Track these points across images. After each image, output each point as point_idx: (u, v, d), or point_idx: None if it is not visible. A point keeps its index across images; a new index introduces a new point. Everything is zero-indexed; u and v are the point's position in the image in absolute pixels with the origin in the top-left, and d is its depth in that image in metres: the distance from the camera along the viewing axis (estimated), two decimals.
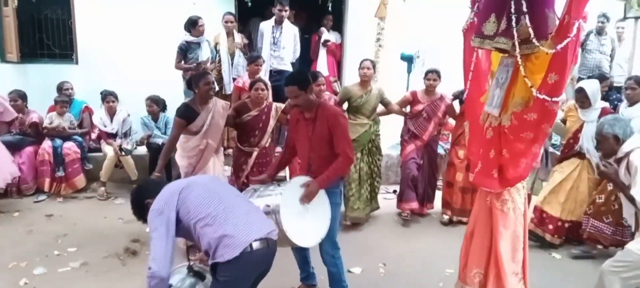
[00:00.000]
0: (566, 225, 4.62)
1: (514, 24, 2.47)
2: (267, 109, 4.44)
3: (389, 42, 6.38)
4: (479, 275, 3.01)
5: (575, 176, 4.58)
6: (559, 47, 2.34)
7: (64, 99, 5.99)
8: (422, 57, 6.51)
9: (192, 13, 5.94)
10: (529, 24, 2.43)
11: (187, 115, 3.98)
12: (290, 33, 6.36)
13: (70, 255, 4.24)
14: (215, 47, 6.14)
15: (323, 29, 7.23)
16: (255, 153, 4.40)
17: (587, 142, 4.43)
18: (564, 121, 4.83)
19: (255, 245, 2.40)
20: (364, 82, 4.95)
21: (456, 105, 5.28)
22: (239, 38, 6.34)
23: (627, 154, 3.05)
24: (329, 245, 3.37)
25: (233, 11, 6.77)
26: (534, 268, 3.31)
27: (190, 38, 5.81)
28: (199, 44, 5.83)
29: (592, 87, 4.42)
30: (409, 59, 6.52)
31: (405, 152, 5.29)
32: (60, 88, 6.17)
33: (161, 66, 6.12)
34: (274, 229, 2.58)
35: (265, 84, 4.55)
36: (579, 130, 4.56)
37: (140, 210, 2.60)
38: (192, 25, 5.79)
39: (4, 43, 7.15)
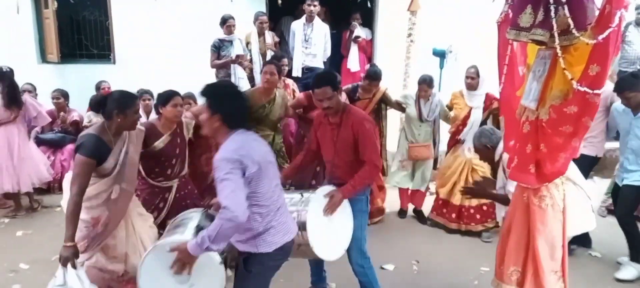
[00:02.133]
0: (471, 210, 4.75)
1: (552, 14, 2.41)
2: (180, 129, 3.51)
3: (420, 37, 6.31)
4: (517, 272, 2.95)
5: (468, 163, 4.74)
6: (600, 37, 2.26)
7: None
8: (454, 52, 6.41)
9: (225, 12, 6.03)
10: (567, 15, 2.37)
11: (98, 152, 2.79)
12: (321, 31, 6.38)
13: None
14: (247, 46, 6.20)
15: (355, 23, 7.19)
16: (175, 187, 3.49)
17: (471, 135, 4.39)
18: (450, 108, 4.90)
19: (288, 245, 2.46)
20: (267, 89, 4.31)
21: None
22: (270, 38, 6.39)
23: (501, 155, 3.29)
24: (358, 255, 3.24)
25: (264, 10, 6.83)
26: (572, 265, 3.23)
27: (222, 36, 5.91)
28: (231, 42, 5.91)
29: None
30: (441, 54, 6.44)
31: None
32: (98, 87, 6.35)
33: (196, 65, 6.22)
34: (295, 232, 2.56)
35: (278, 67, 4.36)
36: (468, 117, 4.70)
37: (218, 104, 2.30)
38: (222, 23, 5.88)
39: (44, 44, 7.42)
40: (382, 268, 4.12)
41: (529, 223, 2.87)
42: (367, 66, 5.21)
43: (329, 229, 2.95)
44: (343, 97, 4.42)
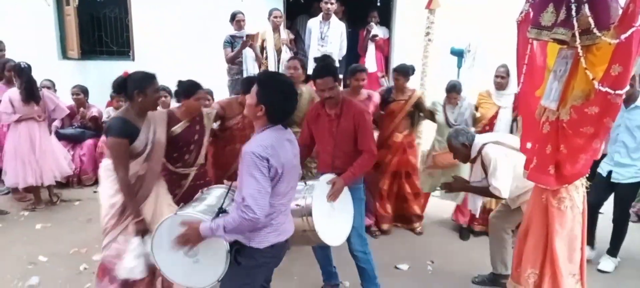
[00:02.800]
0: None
1: (573, 13, 2.37)
2: (199, 118, 3.54)
3: (438, 36, 6.24)
4: (534, 275, 2.91)
5: None
6: (623, 37, 2.22)
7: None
8: (472, 51, 6.33)
9: (238, 8, 6.05)
10: (588, 14, 2.32)
11: (128, 132, 2.88)
12: (338, 29, 6.35)
13: None
14: (262, 44, 6.21)
15: (372, 24, 7.15)
16: (192, 175, 3.52)
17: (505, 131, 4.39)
18: (476, 107, 4.76)
19: (280, 244, 2.40)
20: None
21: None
22: (285, 34, 6.38)
23: (479, 151, 3.37)
24: (358, 241, 3.31)
25: (280, 8, 6.84)
26: (590, 269, 3.18)
27: (233, 32, 5.94)
28: (242, 38, 5.93)
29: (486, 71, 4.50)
30: (459, 54, 6.36)
31: None
32: None
33: (214, 62, 6.26)
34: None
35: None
36: (495, 117, 4.58)
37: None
38: (232, 19, 5.92)
39: (65, 41, 7.55)
40: (397, 268, 4.10)
41: (547, 225, 2.82)
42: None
43: (332, 215, 3.02)
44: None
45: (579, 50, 2.38)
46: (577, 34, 2.38)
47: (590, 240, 4.08)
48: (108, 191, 2.94)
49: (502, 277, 3.70)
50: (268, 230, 2.32)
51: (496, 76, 4.58)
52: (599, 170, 4.13)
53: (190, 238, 2.27)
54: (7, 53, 5.73)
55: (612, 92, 2.32)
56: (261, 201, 2.15)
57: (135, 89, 2.89)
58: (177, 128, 3.34)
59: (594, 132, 2.49)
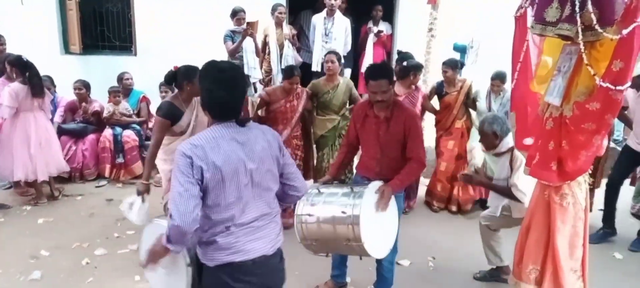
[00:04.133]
0: None
1: (577, 9, 2.35)
2: (245, 103, 3.73)
3: (441, 32, 6.23)
4: (535, 271, 2.90)
5: None
6: (624, 32, 2.20)
7: (116, 88, 6.22)
8: (475, 47, 6.32)
9: (241, 4, 6.04)
10: (591, 9, 2.31)
11: (172, 114, 3.51)
12: (342, 25, 6.34)
13: (129, 237, 4.44)
14: (265, 39, 6.20)
15: (373, 27, 7.07)
16: None
17: None
18: None
19: (238, 264, 2.01)
20: (330, 76, 4.71)
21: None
22: (287, 29, 6.38)
23: (510, 149, 3.39)
24: (391, 253, 3.12)
25: (284, 3, 6.82)
26: (594, 266, 3.17)
27: (233, 27, 5.93)
28: (241, 33, 5.92)
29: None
30: (462, 50, 6.35)
31: None
32: (120, 78, 6.42)
33: (215, 56, 6.22)
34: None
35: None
36: None
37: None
38: (233, 15, 5.91)
39: (67, 35, 7.55)
40: (398, 263, 4.09)
41: (549, 222, 2.82)
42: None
43: (378, 226, 2.87)
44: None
45: (581, 46, 2.36)
46: (579, 30, 2.36)
47: (611, 221, 4.25)
48: (163, 164, 3.67)
49: (500, 270, 3.75)
50: (214, 248, 1.98)
51: (492, 83, 4.93)
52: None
53: (157, 250, 2.00)
54: (8, 48, 5.72)
55: (613, 87, 2.30)
56: (182, 206, 1.82)
57: (185, 80, 3.50)
58: None
59: (595, 128, 2.48)
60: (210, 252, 2.00)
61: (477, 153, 5.05)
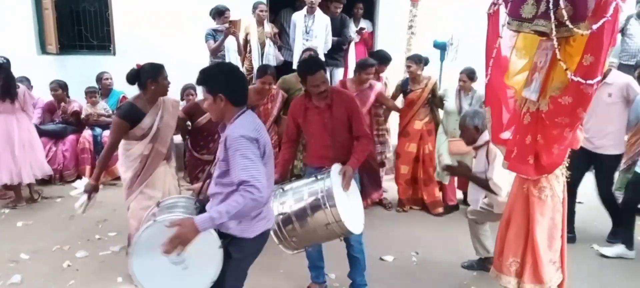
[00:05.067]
0: None
1: (551, 5, 2.40)
2: None
3: (421, 29, 6.28)
4: (516, 263, 2.96)
5: None
6: (594, 27, 2.25)
7: (93, 89, 6.15)
8: (455, 44, 6.38)
9: (221, 2, 6.00)
10: (562, 6, 2.36)
11: (132, 116, 3.28)
12: (322, 22, 6.34)
13: (110, 239, 4.39)
14: (246, 38, 6.18)
15: (351, 36, 7.05)
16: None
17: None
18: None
19: (267, 232, 2.46)
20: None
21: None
22: (269, 27, 6.37)
23: (487, 142, 3.42)
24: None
25: (264, 1, 6.80)
26: (572, 257, 3.25)
27: (216, 26, 5.89)
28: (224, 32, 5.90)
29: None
30: (442, 47, 6.39)
31: None
32: (99, 78, 6.34)
33: (196, 56, 6.20)
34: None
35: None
36: None
37: (213, 84, 2.29)
38: (218, 14, 5.88)
39: (44, 35, 7.42)
40: (382, 259, 4.13)
41: (528, 214, 2.88)
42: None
43: (349, 204, 2.99)
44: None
45: (555, 42, 2.41)
46: (552, 27, 2.41)
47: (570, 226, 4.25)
48: (123, 167, 3.45)
49: (487, 260, 3.82)
50: (259, 218, 2.33)
51: (459, 80, 4.84)
52: (636, 169, 4.09)
53: (186, 235, 2.09)
54: None
55: (584, 82, 2.35)
56: (263, 181, 2.14)
57: (149, 78, 3.30)
58: (203, 119, 3.84)
59: (568, 122, 2.53)
60: (254, 223, 2.32)
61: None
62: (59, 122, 6.05)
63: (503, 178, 3.29)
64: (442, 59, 6.43)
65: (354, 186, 3.17)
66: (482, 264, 3.90)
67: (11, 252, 4.10)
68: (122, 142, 3.36)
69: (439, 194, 5.14)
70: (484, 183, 3.43)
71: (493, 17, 2.90)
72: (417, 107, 4.94)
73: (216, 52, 5.83)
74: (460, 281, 3.84)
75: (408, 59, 4.96)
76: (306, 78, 3.15)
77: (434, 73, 5.42)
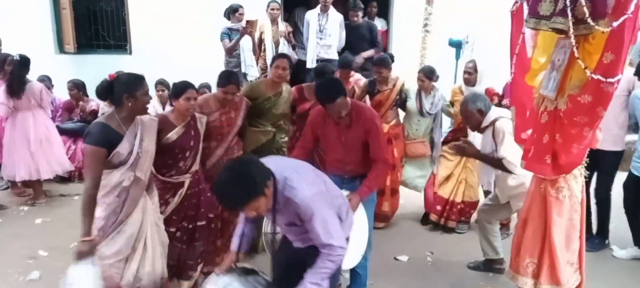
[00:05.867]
0: (458, 206, 4.64)
1: (568, 3, 2.36)
2: (193, 122, 3.34)
3: (436, 27, 6.24)
4: (532, 264, 2.92)
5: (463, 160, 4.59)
6: (615, 24, 2.21)
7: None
8: (471, 42, 6.33)
9: (236, 1, 6.02)
10: (583, 3, 2.32)
11: (107, 140, 2.60)
12: (336, 21, 6.32)
13: None
14: (260, 37, 6.20)
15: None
16: (187, 182, 3.31)
17: None
18: (451, 104, 4.72)
19: None
20: (277, 82, 4.00)
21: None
22: (283, 26, 6.37)
23: (492, 122, 3.35)
24: (366, 248, 3.11)
25: (278, 0, 6.81)
26: (590, 258, 3.20)
27: (231, 25, 5.91)
28: (239, 30, 5.92)
29: (482, 64, 4.48)
30: (457, 45, 6.36)
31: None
32: None
33: (212, 55, 6.24)
34: None
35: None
36: None
37: (246, 196, 2.01)
38: (232, 12, 5.89)
39: (61, 34, 7.51)
40: (396, 259, 4.12)
41: (545, 215, 2.84)
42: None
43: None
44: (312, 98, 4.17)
45: (572, 40, 2.37)
46: (570, 24, 2.37)
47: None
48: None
49: (494, 261, 3.82)
50: None
51: (464, 72, 4.55)
52: (632, 171, 4.03)
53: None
54: (3, 48, 5.70)
55: (604, 80, 2.31)
56: (340, 233, 2.20)
57: (125, 93, 2.63)
58: (173, 134, 3.16)
59: (587, 121, 2.49)
60: None
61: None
62: (78, 121, 6.13)
63: (515, 155, 3.19)
64: (457, 57, 6.40)
65: (360, 214, 3.00)
66: (489, 265, 3.87)
67: (30, 249, 4.17)
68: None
69: (388, 208, 4.75)
70: (497, 163, 3.31)
71: (516, 15, 2.87)
72: (385, 109, 4.61)
73: (231, 51, 5.85)
74: (475, 282, 3.80)
75: (374, 64, 4.65)
76: (325, 106, 3.01)
77: (449, 72, 5.34)
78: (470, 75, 4.47)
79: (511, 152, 3.21)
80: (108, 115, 2.69)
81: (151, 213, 2.90)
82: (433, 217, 4.74)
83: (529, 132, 2.99)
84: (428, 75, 4.57)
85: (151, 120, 2.94)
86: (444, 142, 4.77)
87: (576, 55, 2.41)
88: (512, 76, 3.07)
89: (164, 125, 3.12)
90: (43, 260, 4.01)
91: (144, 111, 2.81)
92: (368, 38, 6.21)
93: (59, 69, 6.99)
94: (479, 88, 4.43)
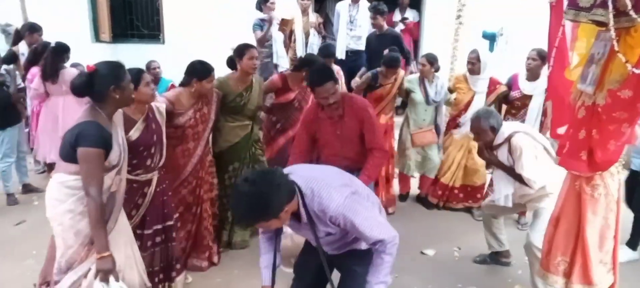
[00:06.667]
0: (459, 191, 4.90)
1: None
2: (152, 113, 3.03)
3: (469, 19, 6.12)
4: (564, 263, 2.84)
5: (466, 145, 4.76)
6: None
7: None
8: (505, 35, 6.18)
9: None
10: None
11: (104, 140, 2.34)
12: (367, 12, 6.28)
13: None
14: (291, 27, 6.20)
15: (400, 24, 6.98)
16: (154, 180, 3.05)
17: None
18: (451, 90, 4.79)
19: None
20: (246, 75, 3.80)
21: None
22: (314, 17, 6.37)
23: (507, 139, 3.28)
24: None
25: None
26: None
27: (263, 16, 5.94)
28: (271, 21, 5.94)
29: (485, 52, 4.47)
30: (491, 37, 6.21)
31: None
32: (148, 67, 6.51)
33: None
34: None
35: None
36: (470, 102, 4.63)
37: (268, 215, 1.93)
38: (264, 2, 5.91)
39: (98, 24, 7.70)
40: (422, 252, 4.08)
41: (579, 213, 2.76)
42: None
43: None
44: (295, 87, 4.24)
45: (612, 33, 2.28)
46: (610, 16, 2.28)
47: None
48: (68, 215, 2.37)
49: (501, 254, 3.86)
50: None
51: (468, 62, 4.60)
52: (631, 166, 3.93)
53: None
54: (44, 36, 5.87)
55: None
56: (389, 225, 2.15)
57: (112, 85, 2.36)
58: (134, 132, 2.83)
59: (626, 117, 2.39)
60: None
61: (410, 153, 4.86)
62: None
63: (535, 171, 3.18)
64: (491, 49, 6.24)
65: None
66: (495, 258, 3.90)
67: None
68: (70, 179, 2.34)
69: (395, 192, 5.01)
70: (518, 177, 3.28)
71: (555, 7, 2.79)
72: (385, 103, 4.72)
73: (263, 41, 5.89)
74: (503, 278, 3.75)
75: (384, 64, 4.60)
76: (314, 89, 3.00)
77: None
78: (474, 65, 4.54)
79: (530, 168, 3.18)
80: (91, 112, 2.37)
81: (122, 223, 2.62)
82: (432, 199, 5.00)
83: (563, 128, 2.91)
84: (431, 61, 4.67)
85: (118, 113, 2.61)
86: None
87: (616, 48, 2.32)
88: (551, 70, 2.98)
89: (124, 122, 2.74)
90: None
91: (130, 102, 2.58)
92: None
93: (95, 57, 7.01)
94: (483, 76, 4.54)
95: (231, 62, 3.96)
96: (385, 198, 4.81)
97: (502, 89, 4.57)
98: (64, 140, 2.35)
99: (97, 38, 7.79)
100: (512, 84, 4.61)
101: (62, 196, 2.37)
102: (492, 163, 3.53)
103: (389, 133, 4.81)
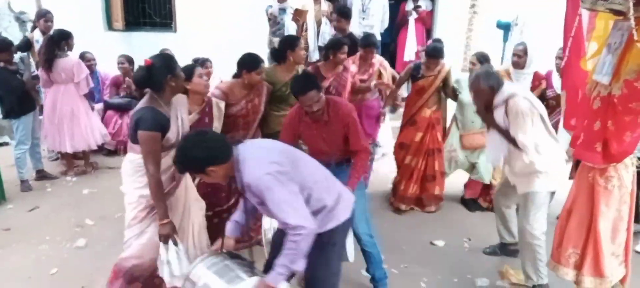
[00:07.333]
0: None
1: None
2: (209, 108, 3.38)
3: (484, 8, 6.03)
4: (575, 255, 2.82)
5: None
6: None
7: None
8: (520, 24, 6.08)
9: None
10: None
11: (160, 125, 2.61)
12: (380, 1, 6.23)
13: None
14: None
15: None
16: None
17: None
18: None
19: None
20: (293, 64, 3.90)
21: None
22: (325, 5, 6.32)
23: (506, 101, 3.13)
24: (366, 226, 3.17)
25: None
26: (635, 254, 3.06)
27: (277, 4, 5.92)
28: (284, 10, 5.93)
29: (533, 46, 4.24)
30: (505, 27, 6.13)
31: None
32: (82, 56, 6.48)
33: (255, 35, 6.28)
34: None
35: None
36: None
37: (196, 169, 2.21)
38: None
39: (110, 12, 7.73)
40: (432, 243, 4.06)
41: (592, 205, 2.72)
42: (429, 42, 4.92)
43: None
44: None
45: (631, 22, 2.23)
46: (631, 5, 2.23)
47: None
48: (135, 184, 2.72)
49: (510, 245, 3.80)
50: (344, 195, 2.44)
51: (513, 54, 4.34)
52: None
53: None
54: (56, 24, 5.90)
55: None
56: (304, 212, 2.12)
57: (168, 74, 2.64)
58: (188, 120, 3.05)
59: None
60: (343, 202, 2.44)
61: (458, 155, 4.61)
62: (125, 96, 6.31)
63: (529, 137, 3.04)
64: (505, 39, 6.17)
65: None
66: (505, 249, 3.86)
67: (77, 218, 4.36)
68: (137, 157, 2.67)
69: (438, 191, 4.68)
70: (512, 139, 3.13)
71: None
72: (428, 96, 4.48)
73: (274, 25, 5.89)
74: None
75: (427, 55, 4.42)
76: (297, 97, 3.00)
77: (496, 55, 5.14)
78: (520, 58, 4.27)
79: (525, 132, 3.04)
80: (149, 99, 2.65)
81: (192, 192, 2.97)
82: (483, 203, 4.79)
83: (574, 121, 2.86)
84: (481, 59, 4.41)
85: (182, 97, 2.92)
86: None
87: (635, 38, 2.27)
88: (565, 59, 2.93)
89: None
90: (89, 229, 4.19)
91: (183, 89, 2.88)
92: None
93: (108, 45, 7.21)
94: (528, 71, 4.29)
95: (276, 54, 4.00)
96: (441, 191, 4.68)
97: (544, 85, 4.34)
98: (129, 124, 2.74)
99: (110, 26, 7.83)
100: (547, 81, 4.38)
101: (130, 171, 2.72)
102: (489, 123, 3.39)
103: (436, 127, 4.56)
